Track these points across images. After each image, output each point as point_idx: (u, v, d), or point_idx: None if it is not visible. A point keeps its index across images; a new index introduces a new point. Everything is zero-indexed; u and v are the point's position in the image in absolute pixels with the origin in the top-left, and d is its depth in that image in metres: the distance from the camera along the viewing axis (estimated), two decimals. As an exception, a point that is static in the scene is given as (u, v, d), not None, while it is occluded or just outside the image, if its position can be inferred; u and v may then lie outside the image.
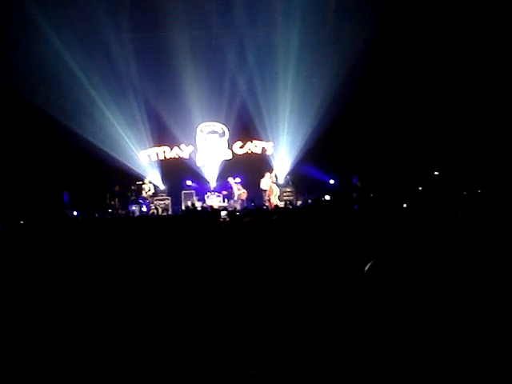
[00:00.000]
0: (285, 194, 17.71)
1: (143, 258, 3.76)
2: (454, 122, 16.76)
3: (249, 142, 18.72)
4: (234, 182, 17.61)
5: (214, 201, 17.28)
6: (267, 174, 17.39)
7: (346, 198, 15.69)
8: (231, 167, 18.43)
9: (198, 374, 2.27)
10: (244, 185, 17.99)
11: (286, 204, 16.40)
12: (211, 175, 18.45)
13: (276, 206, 15.94)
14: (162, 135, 18.23)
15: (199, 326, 2.39)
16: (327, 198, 15.52)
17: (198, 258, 3.29)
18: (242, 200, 17.44)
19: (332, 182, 17.90)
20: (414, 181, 16.32)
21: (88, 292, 3.23)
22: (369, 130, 17.34)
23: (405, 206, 10.16)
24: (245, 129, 18.41)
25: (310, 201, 15.46)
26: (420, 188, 15.74)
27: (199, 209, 12.84)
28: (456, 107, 16.75)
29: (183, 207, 16.62)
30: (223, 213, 11.80)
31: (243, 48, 17.40)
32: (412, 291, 2.00)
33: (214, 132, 18.77)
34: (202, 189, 18.04)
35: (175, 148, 18.55)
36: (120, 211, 17.13)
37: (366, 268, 2.12)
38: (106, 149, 17.06)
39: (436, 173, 17.29)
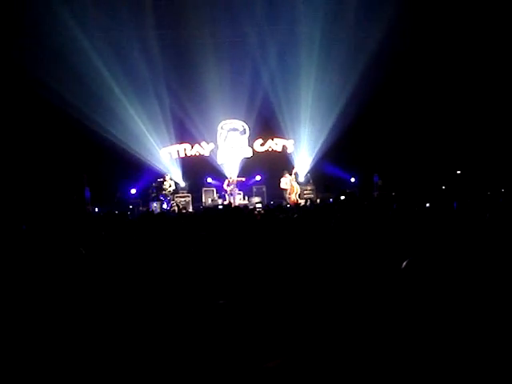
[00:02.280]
0: (305, 192, 17.68)
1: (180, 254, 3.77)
2: (476, 121, 16.58)
3: (269, 140, 18.71)
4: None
5: (235, 198, 17.29)
6: (287, 174, 17.35)
7: (361, 197, 15.49)
8: (252, 165, 18.45)
9: (215, 366, 2.27)
10: (264, 183, 18.06)
11: (306, 202, 16.38)
12: (232, 173, 18.45)
13: (296, 203, 15.92)
14: (183, 133, 18.31)
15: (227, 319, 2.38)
16: (342, 197, 15.43)
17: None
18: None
19: (353, 180, 17.81)
20: (436, 180, 16.16)
21: (112, 288, 3.24)
22: (390, 128, 17.23)
23: (427, 205, 10.04)
24: (265, 126, 18.40)
25: (331, 199, 15.39)
26: (443, 187, 15.59)
27: (220, 206, 12.85)
28: (478, 106, 16.56)
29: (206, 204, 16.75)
30: (258, 205, 11.91)
31: (265, 46, 17.40)
32: (448, 288, 1.99)
33: (235, 129, 18.79)
34: (222, 186, 18.06)
35: (196, 145, 18.61)
36: (141, 208, 17.24)
37: (404, 265, 2.10)
38: (127, 145, 17.18)
39: (458, 172, 17.12)
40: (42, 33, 15.57)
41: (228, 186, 17.47)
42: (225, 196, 17.47)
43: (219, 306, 2.45)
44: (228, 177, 17.81)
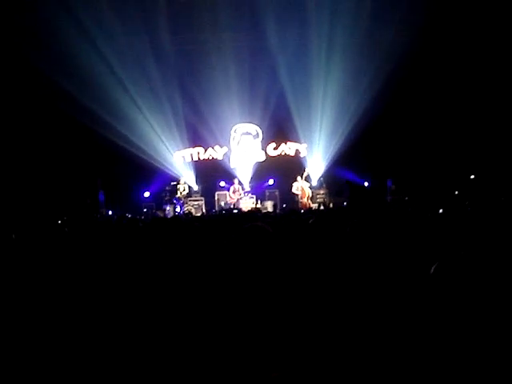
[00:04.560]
0: (318, 196, 17.68)
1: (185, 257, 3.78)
2: (490, 126, 16.50)
3: (282, 144, 18.72)
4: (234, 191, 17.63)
5: (248, 202, 17.31)
6: (298, 178, 17.30)
7: (375, 201, 15.38)
8: (265, 169, 18.47)
9: (219, 376, 2.27)
10: (276, 187, 18.06)
11: (318, 206, 16.39)
12: (245, 177, 18.49)
13: (309, 207, 15.93)
14: (196, 136, 18.37)
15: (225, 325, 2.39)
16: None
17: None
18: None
19: (366, 184, 17.78)
20: (450, 184, 16.09)
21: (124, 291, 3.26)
22: (404, 133, 17.19)
23: (441, 211, 9.98)
24: (279, 130, 18.40)
25: (345, 203, 15.40)
26: (456, 192, 15.52)
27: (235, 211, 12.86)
28: (493, 111, 16.48)
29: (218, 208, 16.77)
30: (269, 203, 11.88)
31: (278, 49, 17.41)
32: (478, 293, 1.99)
33: (248, 133, 18.83)
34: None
35: (209, 149, 18.66)
36: (154, 211, 17.33)
37: (432, 270, 2.11)
38: (141, 149, 17.29)
39: (472, 176, 17.02)
40: (57, 38, 15.67)
41: (234, 193, 17.49)
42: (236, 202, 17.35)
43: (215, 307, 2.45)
44: (233, 183, 17.71)
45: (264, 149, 18.81)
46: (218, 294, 2.86)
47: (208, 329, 2.50)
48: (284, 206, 17.27)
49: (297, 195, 17.23)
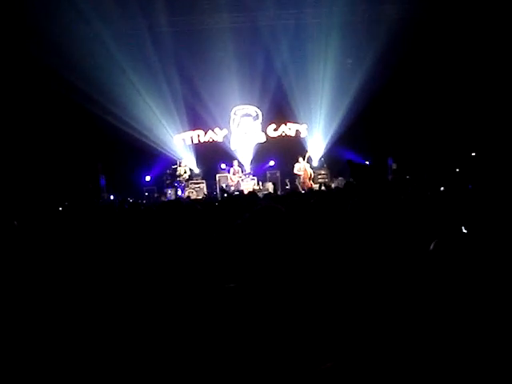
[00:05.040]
0: (319, 177, 17.70)
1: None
2: (490, 103, 16.42)
3: (283, 125, 18.70)
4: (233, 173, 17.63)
5: (249, 184, 17.31)
6: (300, 159, 17.28)
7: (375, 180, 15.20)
8: (265, 150, 18.46)
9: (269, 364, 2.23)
10: (277, 168, 18.03)
11: (320, 186, 16.37)
12: (245, 158, 18.49)
13: (310, 188, 15.91)
14: (196, 119, 18.32)
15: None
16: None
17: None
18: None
19: (367, 163, 17.73)
20: (451, 162, 16.06)
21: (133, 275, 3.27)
22: (404, 111, 17.12)
23: (442, 188, 9.98)
24: (279, 111, 18.35)
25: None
26: (457, 170, 15.49)
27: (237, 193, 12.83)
28: (493, 88, 16.39)
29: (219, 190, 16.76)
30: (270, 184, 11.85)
31: (277, 30, 17.27)
32: (477, 270, 2.00)
33: (248, 115, 18.79)
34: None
35: (209, 131, 18.64)
36: (156, 195, 17.36)
37: (432, 246, 2.11)
38: (141, 133, 17.24)
39: (473, 154, 16.98)
40: (53, 22, 15.54)
41: (234, 174, 17.50)
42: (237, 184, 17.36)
43: (229, 290, 2.42)
44: (232, 165, 17.72)
45: (264, 130, 18.79)
46: (234, 275, 2.86)
47: (222, 315, 2.48)
48: (287, 187, 17.25)
49: (299, 176, 17.23)
